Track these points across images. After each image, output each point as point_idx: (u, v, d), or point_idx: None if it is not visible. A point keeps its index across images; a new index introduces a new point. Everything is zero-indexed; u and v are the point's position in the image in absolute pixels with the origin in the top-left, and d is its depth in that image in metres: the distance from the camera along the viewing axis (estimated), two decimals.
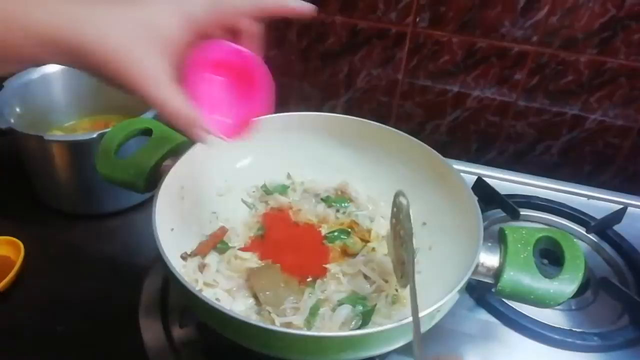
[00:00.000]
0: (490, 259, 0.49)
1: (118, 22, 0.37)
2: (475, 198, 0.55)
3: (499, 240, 0.51)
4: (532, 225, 0.76)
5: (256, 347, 0.44)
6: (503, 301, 0.63)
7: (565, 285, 0.46)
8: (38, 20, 0.35)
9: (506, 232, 0.50)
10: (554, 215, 0.77)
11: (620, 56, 0.79)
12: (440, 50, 0.87)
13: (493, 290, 0.48)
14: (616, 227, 0.75)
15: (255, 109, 0.47)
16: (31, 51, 0.36)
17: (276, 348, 0.43)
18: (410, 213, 0.48)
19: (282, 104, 1.00)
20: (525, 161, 0.95)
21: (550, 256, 0.61)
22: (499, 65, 0.86)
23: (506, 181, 0.87)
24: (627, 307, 0.63)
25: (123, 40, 0.37)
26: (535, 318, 0.61)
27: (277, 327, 0.40)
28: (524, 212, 0.75)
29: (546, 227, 0.76)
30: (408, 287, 0.45)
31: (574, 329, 0.61)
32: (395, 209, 0.52)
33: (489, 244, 0.50)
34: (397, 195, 0.51)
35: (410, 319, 0.41)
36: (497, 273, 0.48)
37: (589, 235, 0.74)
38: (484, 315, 0.63)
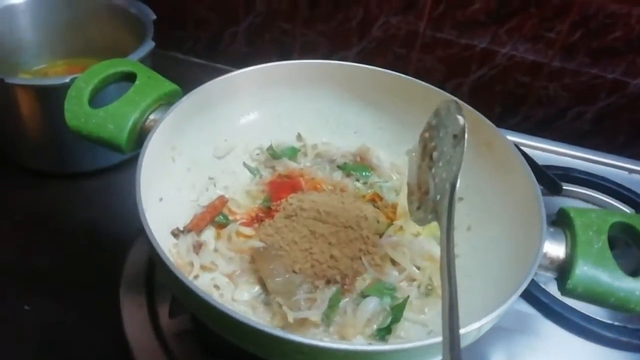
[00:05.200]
0: (553, 248, 0.40)
1: None
2: (530, 170, 0.45)
3: (561, 224, 0.42)
4: (572, 203, 0.67)
5: (263, 354, 0.35)
6: (544, 290, 0.55)
7: None
8: None
9: (572, 214, 0.41)
10: (596, 192, 0.69)
11: None
12: None
13: (560, 289, 0.39)
14: None
15: None
16: None
17: (289, 357, 0.34)
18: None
19: (284, 54, 0.91)
20: (552, 128, 0.87)
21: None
22: (537, 15, 0.76)
23: (535, 149, 0.79)
24: None
25: None
26: (583, 311, 0.54)
27: (292, 336, 0.31)
28: (564, 186, 0.66)
29: (606, 209, 0.67)
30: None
31: (628, 326, 0.54)
32: (435, 121, 0.42)
33: (551, 230, 0.41)
34: (448, 104, 0.40)
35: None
36: (565, 267, 0.39)
37: None
38: (522, 307, 0.56)
